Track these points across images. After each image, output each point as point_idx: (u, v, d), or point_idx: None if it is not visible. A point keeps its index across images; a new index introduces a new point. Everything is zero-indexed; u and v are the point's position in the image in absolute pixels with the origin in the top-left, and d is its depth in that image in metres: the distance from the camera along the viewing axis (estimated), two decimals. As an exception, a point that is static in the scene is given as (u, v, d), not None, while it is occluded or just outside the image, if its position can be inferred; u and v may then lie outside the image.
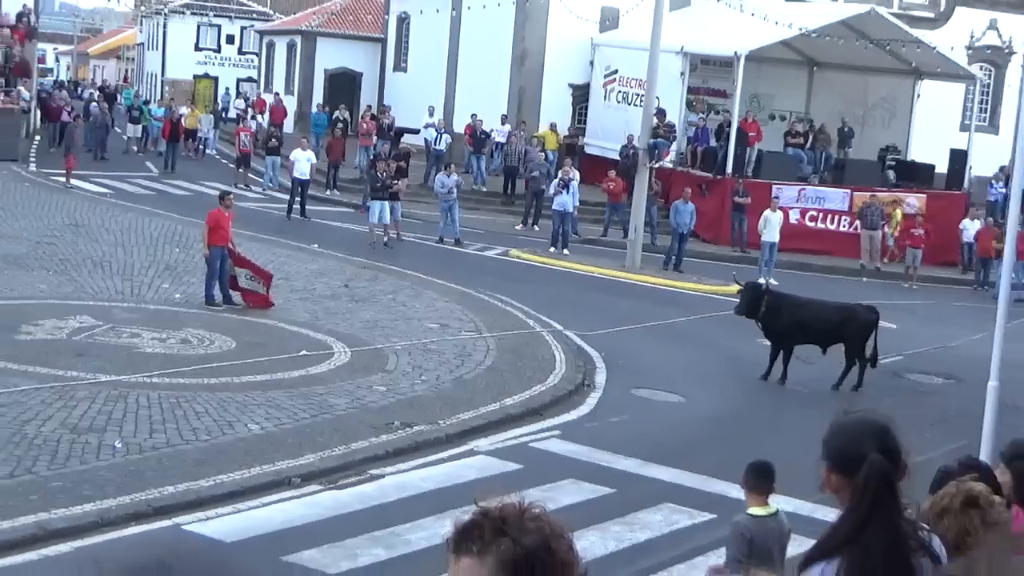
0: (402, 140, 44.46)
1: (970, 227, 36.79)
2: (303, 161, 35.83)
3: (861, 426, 4.42)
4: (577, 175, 35.58)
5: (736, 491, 14.11)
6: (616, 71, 43.19)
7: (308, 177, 36.10)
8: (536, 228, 35.78)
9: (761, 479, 9.10)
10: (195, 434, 14.25)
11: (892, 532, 4.12)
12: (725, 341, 23.22)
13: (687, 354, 22.06)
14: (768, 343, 20.64)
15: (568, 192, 33.06)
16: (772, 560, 8.53)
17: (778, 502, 13.54)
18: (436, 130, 44.02)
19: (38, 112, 53.27)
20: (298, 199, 35.65)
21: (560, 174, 34.30)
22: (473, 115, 43.70)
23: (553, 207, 33.40)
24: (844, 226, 37.48)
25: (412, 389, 17.39)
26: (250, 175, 43.61)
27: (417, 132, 45.91)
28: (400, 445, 14.80)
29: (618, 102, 42.93)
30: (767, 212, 32.43)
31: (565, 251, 32.41)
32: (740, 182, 36.25)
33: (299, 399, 16.15)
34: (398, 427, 15.37)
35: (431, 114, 46.10)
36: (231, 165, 46.35)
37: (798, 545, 12.20)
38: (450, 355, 19.64)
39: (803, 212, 37.26)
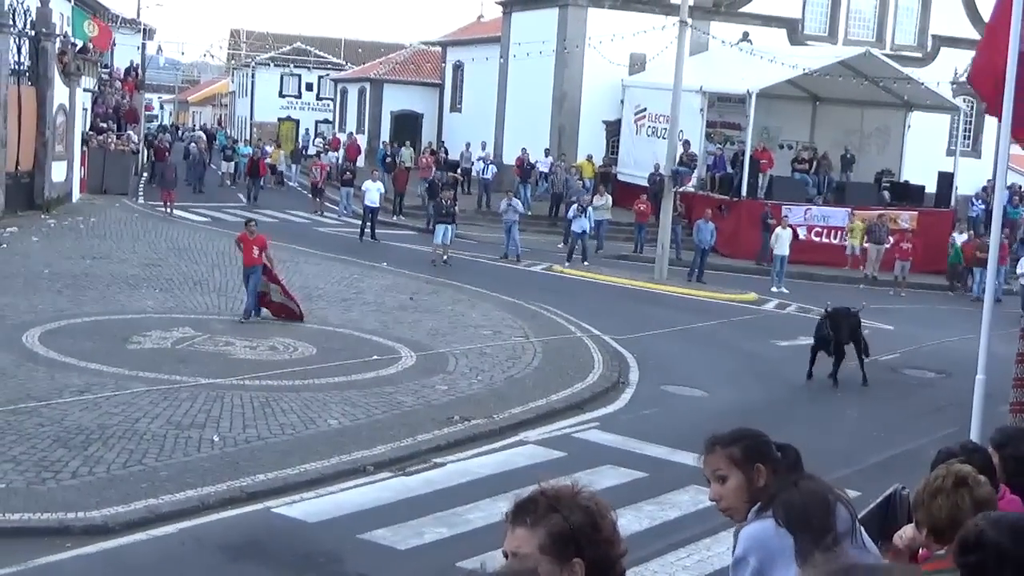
0: (458, 171, 44.86)
1: (958, 240, 36.53)
2: (373, 191, 35.91)
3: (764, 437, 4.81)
4: (609, 199, 35.76)
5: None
6: (645, 109, 43.07)
7: (377, 205, 36.17)
8: (560, 245, 35.49)
9: None
10: (282, 429, 14.28)
11: (819, 481, 4.45)
12: (742, 343, 23.10)
13: (709, 354, 21.93)
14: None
15: (585, 216, 33.06)
16: None
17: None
18: (484, 161, 44.14)
19: (146, 152, 53.75)
20: (369, 224, 35.68)
21: (578, 201, 34.18)
22: (523, 149, 43.72)
23: (572, 228, 33.47)
24: (846, 241, 37.20)
25: (469, 387, 17.37)
26: (326, 203, 43.80)
27: (470, 166, 46.16)
28: (460, 436, 14.77)
29: (648, 135, 42.76)
30: (778, 229, 32.32)
31: (585, 263, 32.44)
32: (768, 207, 35.96)
33: (372, 397, 16.15)
34: (458, 421, 15.35)
35: (483, 148, 46.09)
36: (309, 195, 46.54)
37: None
38: (502, 358, 19.61)
39: (809, 229, 37.02)
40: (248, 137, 71.46)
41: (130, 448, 12.96)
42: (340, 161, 49.93)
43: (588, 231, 33.28)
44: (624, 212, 37.91)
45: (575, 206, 33.75)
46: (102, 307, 21.31)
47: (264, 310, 21.42)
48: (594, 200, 35.02)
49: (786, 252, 31.89)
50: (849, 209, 37.79)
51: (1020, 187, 45.45)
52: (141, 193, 44.69)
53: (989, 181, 42.58)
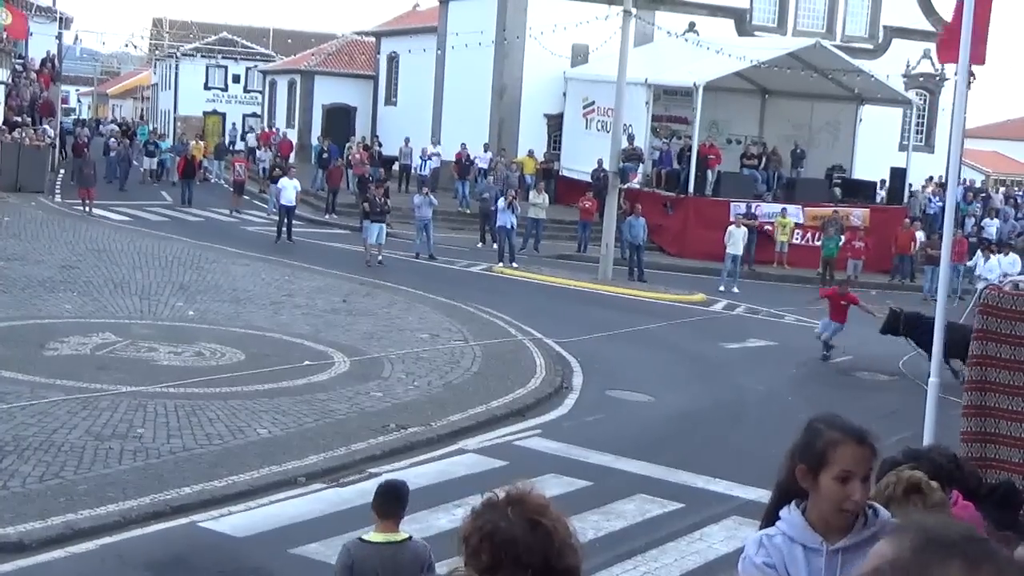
0: (394, 166, 44.82)
1: (920, 237, 36.92)
2: (289, 189, 34.65)
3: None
4: (547, 198, 35.73)
5: (701, 481, 14.16)
6: (594, 102, 43.18)
7: (294, 203, 34.96)
8: (495, 245, 34.56)
9: (385, 502, 7.62)
10: (209, 439, 14.18)
11: None
12: (689, 345, 23.24)
13: (655, 357, 22.04)
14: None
15: (511, 211, 32.76)
16: None
17: (740, 491, 13.58)
18: (422, 158, 44.11)
19: (61, 148, 53.04)
20: (286, 224, 34.47)
21: (507, 196, 33.48)
22: (463, 145, 43.67)
23: (497, 223, 33.17)
24: (796, 238, 37.52)
25: (406, 394, 17.34)
26: (245, 198, 43.74)
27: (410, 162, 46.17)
28: (396, 445, 14.75)
29: (598, 130, 42.78)
30: (731, 227, 32.43)
31: (513, 264, 32.26)
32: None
33: (303, 405, 16.08)
34: (394, 429, 15.32)
35: (433, 144, 45.98)
36: (233, 192, 46.19)
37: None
38: (440, 362, 19.59)
39: (760, 226, 37.29)
40: (172, 132, 70.81)
41: (47, 461, 12.81)
42: (271, 157, 49.63)
43: (514, 226, 33.11)
44: (567, 210, 37.96)
45: (502, 199, 33.59)
46: (17, 311, 21.02)
47: None
48: (530, 197, 34.79)
49: (740, 251, 32.13)
50: (799, 206, 38.14)
51: (972, 181, 46.14)
52: (58, 191, 44.16)
53: (939, 176, 43.18)
